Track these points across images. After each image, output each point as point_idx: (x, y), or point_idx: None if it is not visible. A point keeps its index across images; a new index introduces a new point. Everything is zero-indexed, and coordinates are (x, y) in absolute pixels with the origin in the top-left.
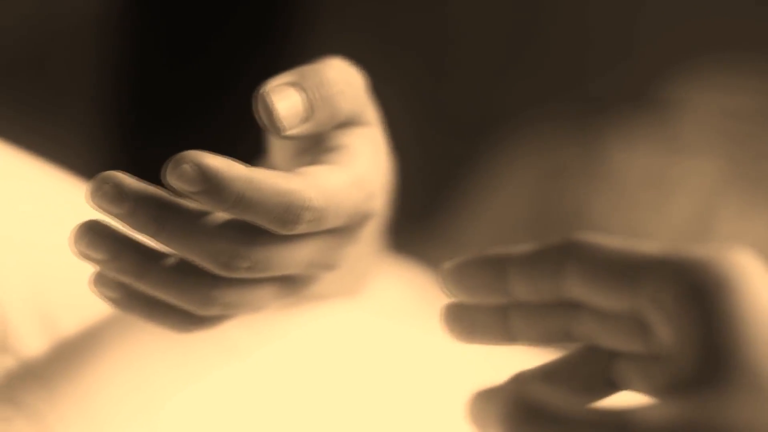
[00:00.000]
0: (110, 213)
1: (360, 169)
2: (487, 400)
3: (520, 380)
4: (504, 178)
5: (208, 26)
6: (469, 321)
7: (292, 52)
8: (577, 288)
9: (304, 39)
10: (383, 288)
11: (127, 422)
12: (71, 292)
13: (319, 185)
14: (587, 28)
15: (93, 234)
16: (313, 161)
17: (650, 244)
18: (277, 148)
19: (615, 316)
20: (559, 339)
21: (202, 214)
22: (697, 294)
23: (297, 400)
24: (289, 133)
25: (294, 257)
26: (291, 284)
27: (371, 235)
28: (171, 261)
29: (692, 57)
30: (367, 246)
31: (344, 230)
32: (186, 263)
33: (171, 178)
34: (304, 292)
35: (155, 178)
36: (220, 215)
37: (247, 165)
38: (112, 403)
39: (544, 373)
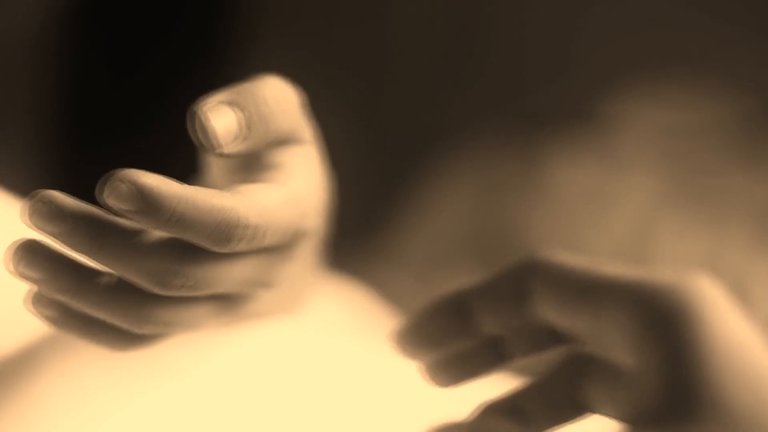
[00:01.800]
0: (46, 232)
1: (296, 187)
2: None
3: (487, 412)
4: (443, 194)
5: (147, 41)
6: (452, 369)
7: (229, 70)
8: (541, 309)
9: (241, 56)
10: (321, 306)
11: None
12: (7, 310)
13: (254, 203)
14: (524, 44)
15: (29, 253)
16: (249, 179)
17: (612, 266)
18: (213, 166)
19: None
20: (533, 348)
21: (138, 233)
22: (659, 322)
23: (235, 419)
24: (224, 151)
25: (230, 275)
26: (228, 302)
27: (308, 252)
28: (107, 279)
29: (630, 72)
30: (304, 264)
31: (280, 248)
32: (123, 282)
33: (106, 196)
34: (242, 311)
35: (91, 195)
36: (156, 234)
37: (183, 183)
38: (51, 422)
39: (512, 400)
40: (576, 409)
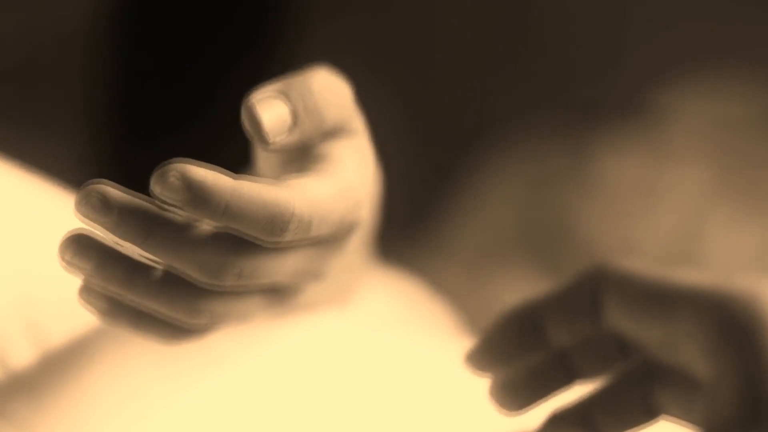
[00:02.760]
0: (98, 223)
1: (346, 179)
2: None
3: (556, 420)
4: (492, 186)
5: (197, 36)
6: (523, 392)
7: (279, 62)
8: (614, 319)
9: (291, 48)
10: (372, 297)
11: None
12: (60, 303)
13: (305, 195)
14: (575, 34)
15: (80, 245)
16: (300, 171)
17: (685, 273)
18: (263, 158)
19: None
20: (614, 365)
21: (190, 225)
22: (735, 330)
23: (285, 411)
24: (274, 143)
25: (281, 267)
26: (278, 294)
27: (358, 244)
28: (158, 272)
29: (682, 63)
30: (354, 255)
31: (331, 240)
32: (173, 275)
33: (157, 188)
34: (292, 303)
35: (144, 188)
36: (208, 226)
37: (234, 175)
38: (100, 414)
39: (581, 407)
40: (646, 415)
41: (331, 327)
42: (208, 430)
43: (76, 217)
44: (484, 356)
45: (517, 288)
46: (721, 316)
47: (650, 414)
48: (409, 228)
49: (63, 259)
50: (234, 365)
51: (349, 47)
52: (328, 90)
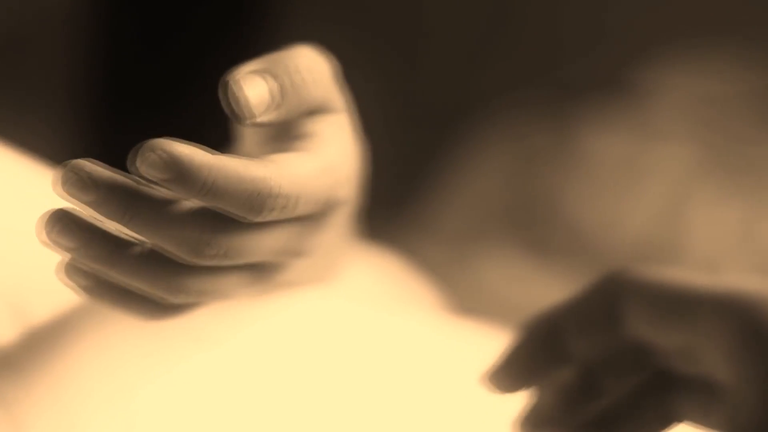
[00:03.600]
0: (80, 200)
1: (329, 156)
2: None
3: (572, 422)
4: (477, 163)
5: (180, 14)
6: (557, 418)
7: (262, 40)
8: (636, 328)
9: (275, 26)
10: (355, 275)
11: (98, 410)
12: (42, 280)
13: (288, 172)
14: (560, 12)
15: (62, 221)
16: (282, 149)
17: (703, 277)
18: (245, 136)
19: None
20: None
21: (171, 202)
22: (757, 334)
23: (269, 389)
24: (256, 120)
25: (263, 245)
26: (261, 272)
27: (341, 222)
28: (139, 249)
29: (666, 41)
30: (337, 233)
31: (313, 217)
32: (155, 252)
33: (138, 165)
34: (275, 280)
35: (125, 165)
36: (190, 203)
37: (215, 152)
38: (84, 391)
39: (599, 412)
40: (664, 420)
41: (315, 305)
42: (191, 407)
43: (58, 194)
44: (507, 375)
45: (502, 265)
46: (743, 321)
47: (668, 420)
48: (393, 206)
49: (45, 236)
50: (217, 343)
51: (333, 25)
52: (312, 67)
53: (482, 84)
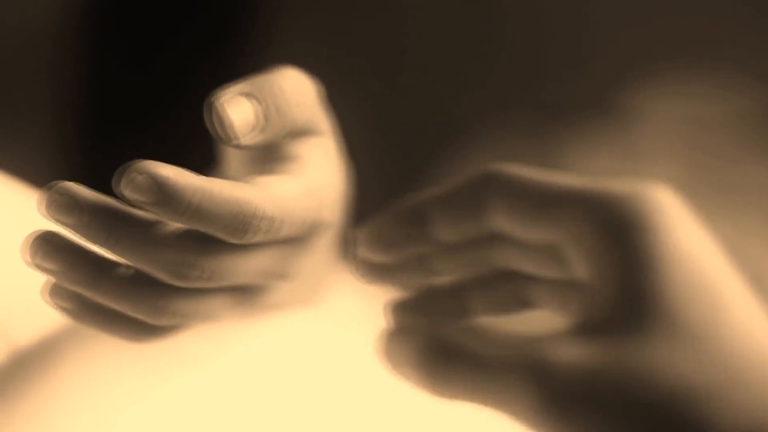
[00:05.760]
0: (62, 223)
1: (313, 179)
2: (400, 340)
3: (429, 299)
4: None
5: (165, 35)
6: (386, 268)
7: (247, 62)
8: (499, 221)
9: (259, 48)
10: (339, 298)
11: None
12: (27, 301)
13: (271, 195)
14: (541, 35)
15: (46, 244)
16: (266, 171)
17: (570, 176)
18: (230, 158)
19: (537, 246)
20: (479, 269)
21: (155, 224)
22: (615, 232)
23: (253, 410)
24: (241, 142)
25: (248, 267)
26: (245, 294)
27: (326, 244)
28: (124, 271)
29: (648, 63)
30: (322, 255)
31: (298, 240)
32: (140, 273)
33: (122, 187)
34: (259, 303)
35: (109, 187)
36: (173, 226)
37: (200, 174)
38: (68, 413)
39: (455, 288)
40: (520, 305)
41: (298, 327)
42: (177, 428)
43: (42, 215)
44: (372, 240)
45: None
46: (602, 216)
47: (522, 305)
48: None
49: (29, 258)
50: (201, 365)
51: (317, 47)
52: (297, 90)
53: (466, 106)
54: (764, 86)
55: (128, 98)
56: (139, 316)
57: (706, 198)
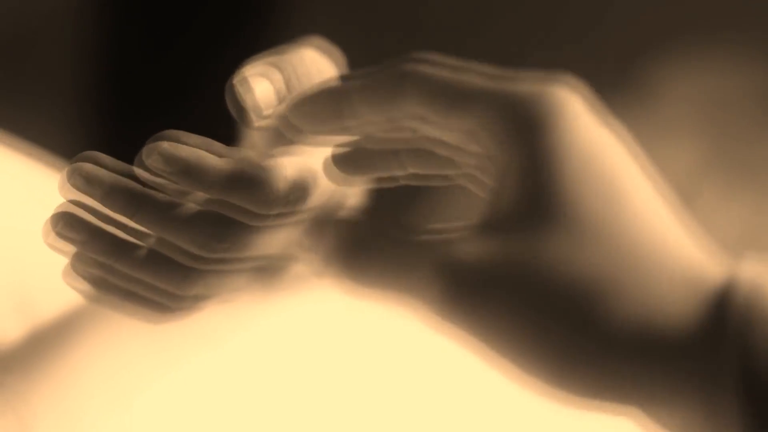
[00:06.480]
0: (88, 193)
1: None
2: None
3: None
4: None
5: (186, 11)
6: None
7: (270, 38)
8: (415, 108)
9: (282, 24)
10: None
11: (102, 410)
12: (48, 278)
13: (295, 168)
14: (564, 10)
15: (68, 216)
16: (288, 150)
17: (485, 70)
18: (251, 139)
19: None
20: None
21: (182, 195)
22: (519, 128)
23: (274, 387)
24: (265, 117)
25: (269, 243)
26: (264, 273)
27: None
28: (143, 251)
29: (671, 38)
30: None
31: (320, 213)
32: (158, 253)
33: (150, 158)
34: (278, 281)
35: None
36: (196, 205)
37: (224, 146)
38: (88, 391)
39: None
40: (442, 180)
41: (318, 305)
42: (195, 406)
43: (66, 190)
44: (301, 110)
45: None
46: (507, 114)
47: (446, 180)
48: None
49: (53, 229)
50: (222, 343)
51: (341, 21)
52: (318, 58)
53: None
54: None
55: (150, 77)
56: (158, 296)
57: (727, 172)
